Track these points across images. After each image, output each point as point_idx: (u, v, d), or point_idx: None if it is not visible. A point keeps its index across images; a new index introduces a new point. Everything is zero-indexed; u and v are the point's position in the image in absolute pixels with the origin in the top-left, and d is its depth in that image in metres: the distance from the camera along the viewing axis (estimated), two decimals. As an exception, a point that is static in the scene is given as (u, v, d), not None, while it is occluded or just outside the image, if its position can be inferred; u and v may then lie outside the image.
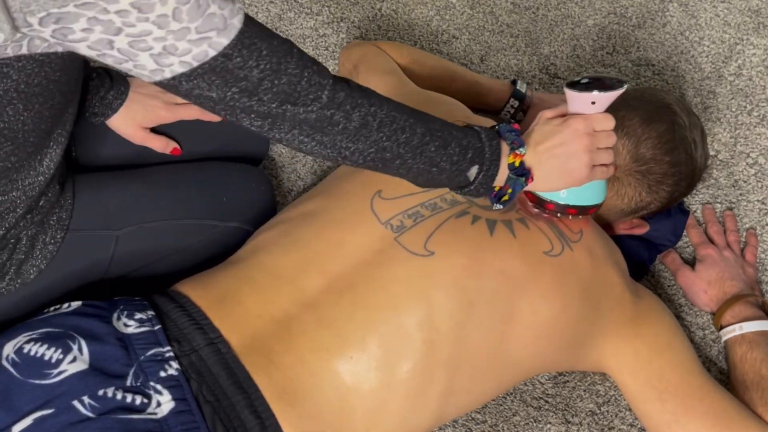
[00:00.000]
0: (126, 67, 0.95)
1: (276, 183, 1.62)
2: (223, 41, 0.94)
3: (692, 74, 1.80)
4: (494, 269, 1.19)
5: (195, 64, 0.94)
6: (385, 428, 1.17)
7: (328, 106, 1.03)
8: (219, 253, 1.32)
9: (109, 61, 0.95)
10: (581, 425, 1.36)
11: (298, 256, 1.21)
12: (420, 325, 1.16)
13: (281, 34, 1.78)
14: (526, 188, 1.20)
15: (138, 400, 1.05)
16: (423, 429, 1.21)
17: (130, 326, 1.13)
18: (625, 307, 1.27)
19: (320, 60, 1.77)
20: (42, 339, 1.09)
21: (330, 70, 1.74)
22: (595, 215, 1.42)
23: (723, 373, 1.42)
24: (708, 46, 1.84)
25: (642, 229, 1.50)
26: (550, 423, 1.36)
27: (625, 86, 1.19)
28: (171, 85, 0.97)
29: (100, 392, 1.04)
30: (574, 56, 1.83)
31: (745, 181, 1.65)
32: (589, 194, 1.26)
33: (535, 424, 1.36)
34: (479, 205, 1.25)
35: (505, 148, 1.16)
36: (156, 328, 1.13)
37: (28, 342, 1.09)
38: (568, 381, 1.40)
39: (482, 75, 1.74)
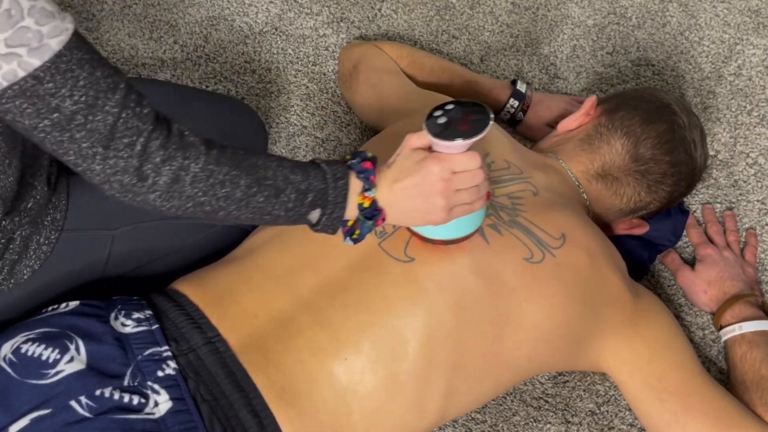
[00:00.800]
0: None
1: (275, 183, 1.62)
2: (35, 62, 0.89)
3: (692, 74, 1.79)
4: (474, 274, 1.19)
5: (4, 83, 0.89)
6: (383, 429, 1.17)
7: (141, 156, 0.96)
8: (216, 252, 1.32)
9: None
10: (581, 425, 1.36)
11: (292, 256, 1.21)
12: (412, 328, 1.16)
13: (281, 34, 1.78)
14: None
15: (135, 399, 1.05)
16: (423, 429, 1.21)
17: (127, 326, 1.13)
18: (624, 307, 1.26)
19: (320, 60, 1.77)
20: (39, 339, 1.09)
21: (330, 70, 1.75)
22: (594, 216, 1.42)
23: (723, 373, 1.42)
24: (708, 46, 1.84)
25: (642, 229, 1.50)
26: (549, 423, 1.36)
27: (489, 126, 1.08)
28: None
29: (98, 392, 1.04)
30: (574, 56, 1.83)
31: (744, 181, 1.64)
32: (455, 228, 1.17)
33: (535, 424, 1.36)
34: None
35: (355, 185, 1.08)
36: (153, 327, 1.13)
37: (25, 342, 1.09)
38: (567, 381, 1.40)
39: (482, 75, 1.74)
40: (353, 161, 1.10)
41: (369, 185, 1.08)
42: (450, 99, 1.11)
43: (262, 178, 1.04)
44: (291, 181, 1.05)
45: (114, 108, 0.94)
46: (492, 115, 1.09)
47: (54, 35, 0.90)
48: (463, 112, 1.11)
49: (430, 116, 1.10)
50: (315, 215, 1.09)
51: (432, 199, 1.09)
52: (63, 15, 0.91)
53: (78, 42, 0.92)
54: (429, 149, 1.11)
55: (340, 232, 1.12)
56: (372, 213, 1.09)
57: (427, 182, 1.09)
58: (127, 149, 0.95)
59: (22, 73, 0.89)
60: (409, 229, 1.20)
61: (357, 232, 1.11)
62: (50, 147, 0.95)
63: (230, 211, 1.03)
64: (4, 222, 1.14)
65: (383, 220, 1.11)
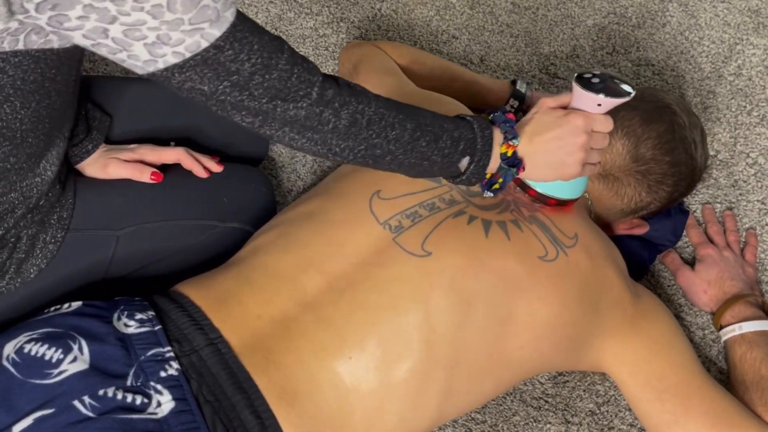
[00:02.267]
0: (120, 57, 0.96)
1: (276, 183, 1.62)
2: (216, 33, 0.95)
3: (692, 74, 1.80)
4: (490, 270, 1.19)
5: (187, 55, 0.96)
6: (384, 428, 1.17)
7: (318, 103, 1.04)
8: (219, 254, 1.32)
9: (103, 51, 0.96)
10: (581, 425, 1.36)
11: (297, 256, 1.21)
12: (418, 325, 1.16)
13: (281, 34, 1.78)
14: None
15: (138, 400, 1.05)
16: (423, 429, 1.21)
17: (130, 326, 1.13)
18: (625, 307, 1.27)
19: (320, 60, 1.77)
20: (42, 339, 1.09)
21: (330, 70, 1.75)
22: (595, 216, 1.42)
23: (723, 373, 1.42)
24: (708, 46, 1.84)
25: (642, 229, 1.50)
26: (549, 423, 1.36)
27: (633, 94, 1.19)
28: (164, 77, 0.98)
29: (101, 392, 1.04)
30: (573, 56, 1.83)
31: (744, 181, 1.65)
32: (572, 188, 1.27)
33: (534, 424, 1.36)
34: (476, 205, 1.25)
35: (498, 137, 1.16)
36: (156, 328, 1.13)
37: (28, 342, 1.09)
38: (567, 381, 1.40)
39: (482, 75, 1.74)
40: (496, 114, 1.18)
41: (513, 134, 1.16)
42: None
43: (424, 124, 1.12)
44: (446, 128, 1.13)
45: (286, 65, 1.01)
46: (635, 92, 1.20)
47: (227, 8, 0.96)
48: (610, 79, 1.20)
49: (579, 75, 1.20)
50: (464, 163, 1.16)
51: (573, 152, 1.18)
52: None
53: (242, 13, 0.99)
54: (565, 109, 1.20)
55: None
56: (514, 161, 1.17)
57: (571, 134, 1.17)
58: (305, 99, 1.03)
59: (205, 44, 0.95)
60: (521, 185, 1.27)
61: (500, 180, 1.18)
62: (229, 107, 1.02)
63: (396, 155, 1.11)
64: (19, 221, 1.14)
65: (523, 169, 1.18)
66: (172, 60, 0.96)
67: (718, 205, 1.62)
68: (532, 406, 1.38)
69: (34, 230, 1.18)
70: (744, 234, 1.58)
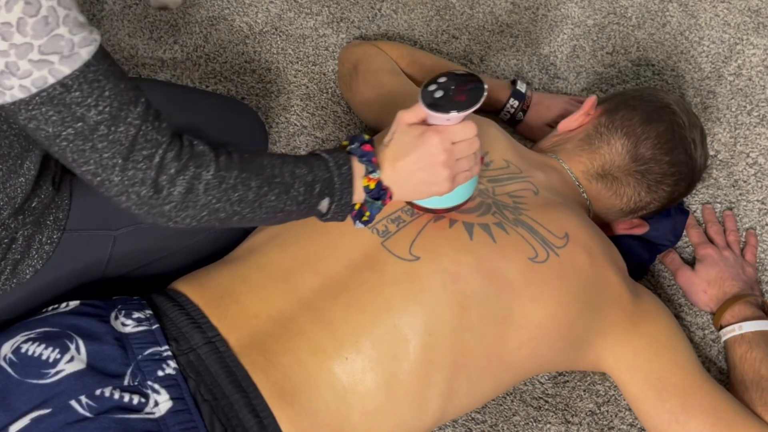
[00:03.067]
0: None
1: (275, 183, 1.62)
2: (65, 70, 0.91)
3: (692, 74, 1.80)
4: (480, 273, 1.19)
5: (33, 90, 0.91)
6: (384, 428, 1.17)
7: (159, 168, 0.99)
8: (217, 253, 1.32)
9: None
10: (581, 425, 1.36)
11: (292, 256, 1.21)
12: (413, 327, 1.16)
13: (281, 34, 1.78)
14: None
15: (136, 399, 1.05)
16: (422, 429, 1.21)
17: (128, 325, 1.13)
18: (624, 307, 1.26)
19: (320, 60, 1.77)
20: (40, 339, 1.09)
21: (330, 70, 1.75)
22: (594, 215, 1.42)
23: (723, 373, 1.42)
24: (708, 46, 1.84)
25: (642, 229, 1.50)
26: (549, 423, 1.36)
27: (484, 96, 1.11)
28: (12, 111, 0.94)
29: (98, 392, 1.04)
30: (574, 56, 1.83)
31: (744, 181, 1.64)
32: (455, 195, 1.20)
33: (535, 424, 1.36)
34: None
35: (359, 168, 1.11)
36: (154, 327, 1.13)
37: (25, 342, 1.09)
38: (568, 381, 1.40)
39: (482, 75, 1.74)
40: (352, 146, 1.12)
41: (372, 167, 1.11)
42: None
43: (271, 177, 1.06)
44: (297, 175, 1.08)
45: (136, 120, 0.97)
46: (486, 85, 1.12)
47: (84, 45, 0.92)
48: (458, 82, 1.12)
49: (425, 89, 1.12)
50: (324, 204, 1.11)
51: (436, 171, 1.13)
52: (91, 27, 0.94)
53: (104, 54, 0.95)
54: (423, 123, 1.13)
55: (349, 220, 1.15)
56: (378, 193, 1.13)
57: (430, 155, 1.12)
58: (146, 161, 0.98)
59: (51, 80, 0.91)
60: (409, 202, 1.22)
61: (367, 213, 1.14)
62: (70, 156, 0.97)
63: (244, 215, 1.06)
64: (8, 221, 1.14)
65: (390, 198, 1.14)
66: (19, 95, 0.92)
67: (718, 205, 1.62)
68: (532, 406, 1.38)
69: (30, 231, 1.18)
70: (744, 234, 1.58)
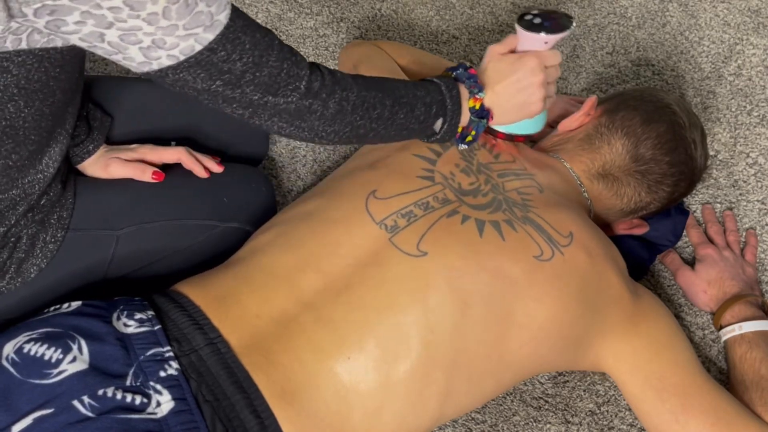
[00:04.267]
0: (115, 58, 0.98)
1: (276, 183, 1.62)
2: (209, 36, 0.98)
3: (692, 74, 1.80)
4: (486, 271, 1.19)
5: (182, 57, 0.98)
6: (384, 428, 1.17)
7: (306, 95, 1.08)
8: (219, 254, 1.32)
9: (99, 53, 0.98)
10: (581, 425, 1.36)
11: (295, 256, 1.21)
12: (416, 325, 1.16)
13: (281, 34, 1.78)
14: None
15: (138, 399, 1.05)
16: (423, 429, 1.21)
17: (130, 326, 1.13)
18: (624, 307, 1.26)
19: (320, 60, 1.77)
20: (42, 339, 1.09)
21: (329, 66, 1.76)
22: (595, 215, 1.42)
23: (723, 373, 1.42)
24: (708, 46, 1.84)
25: (642, 229, 1.50)
26: (549, 423, 1.36)
27: (573, 24, 1.27)
28: (158, 76, 1.01)
29: (100, 392, 1.04)
30: (574, 56, 1.83)
31: (744, 181, 1.65)
32: (536, 122, 1.35)
33: (535, 424, 1.36)
34: (468, 204, 1.25)
35: (464, 92, 1.24)
36: (156, 328, 1.13)
37: (28, 342, 1.09)
38: (568, 381, 1.40)
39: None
40: (458, 72, 1.26)
41: (478, 88, 1.24)
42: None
43: (399, 97, 1.18)
44: (418, 96, 1.20)
45: (276, 62, 1.05)
46: (574, 21, 1.27)
47: (221, 11, 0.98)
48: (549, 14, 1.28)
49: (520, 18, 1.27)
50: (438, 124, 1.23)
51: (534, 91, 1.26)
52: None
53: (237, 11, 1.01)
54: (514, 53, 1.27)
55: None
56: (483, 113, 1.25)
57: (529, 76, 1.25)
58: (294, 93, 1.08)
59: (198, 47, 0.99)
60: (494, 133, 1.35)
61: (472, 133, 1.26)
62: (222, 102, 1.06)
63: (379, 131, 1.18)
64: (20, 218, 1.15)
65: (492, 118, 1.27)
66: (167, 62, 0.99)
67: (718, 205, 1.62)
68: (532, 406, 1.38)
69: (34, 230, 1.18)
70: (744, 234, 1.58)
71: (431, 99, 1.20)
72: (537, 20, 1.26)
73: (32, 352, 1.07)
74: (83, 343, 1.09)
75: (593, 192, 1.41)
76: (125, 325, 1.13)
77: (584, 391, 1.40)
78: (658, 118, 1.41)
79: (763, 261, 1.56)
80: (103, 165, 1.32)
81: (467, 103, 1.24)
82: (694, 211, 1.61)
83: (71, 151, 1.30)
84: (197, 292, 1.19)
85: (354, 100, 1.13)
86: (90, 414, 1.02)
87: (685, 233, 1.57)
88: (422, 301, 1.16)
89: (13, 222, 1.14)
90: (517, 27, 1.26)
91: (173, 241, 1.32)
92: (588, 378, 1.40)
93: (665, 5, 1.90)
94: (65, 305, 1.16)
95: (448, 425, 1.35)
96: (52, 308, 1.17)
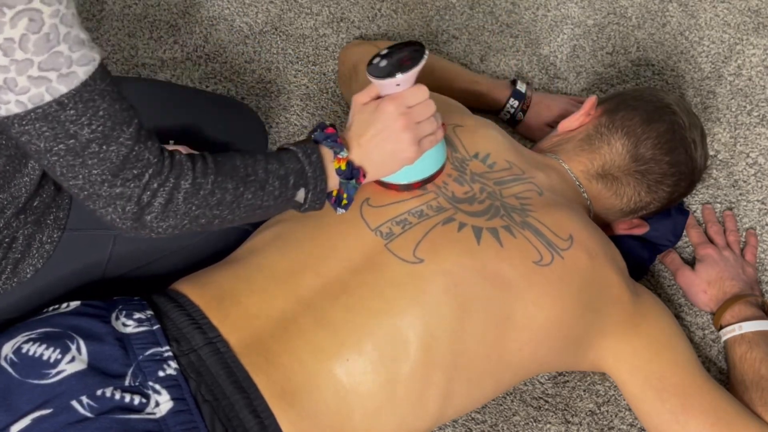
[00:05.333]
0: None
1: (276, 183, 1.62)
2: (62, 89, 0.93)
3: (692, 74, 1.80)
4: (485, 277, 1.19)
5: (30, 106, 0.92)
6: (384, 429, 1.17)
7: (144, 185, 1.00)
8: (217, 253, 1.32)
9: None
10: (581, 425, 1.36)
11: (293, 257, 1.21)
12: (415, 329, 1.15)
13: (281, 34, 1.78)
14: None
15: (137, 399, 1.05)
16: (422, 430, 1.21)
17: (128, 326, 1.13)
18: (624, 307, 1.26)
19: (320, 60, 1.77)
20: (41, 339, 1.09)
21: (330, 70, 1.75)
22: (595, 215, 1.42)
23: (723, 373, 1.42)
24: (708, 46, 1.84)
25: (642, 229, 1.50)
26: (549, 423, 1.36)
27: (425, 56, 1.16)
28: (4, 124, 0.95)
29: (99, 392, 1.04)
30: (574, 56, 1.83)
31: (744, 181, 1.65)
32: (426, 164, 1.23)
33: (535, 424, 1.36)
34: (464, 212, 1.25)
35: (328, 154, 1.14)
36: (155, 327, 1.13)
37: (26, 342, 1.09)
38: (568, 381, 1.40)
39: (482, 75, 1.74)
40: (315, 134, 1.16)
41: (339, 147, 1.14)
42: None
43: (245, 176, 1.08)
44: (270, 170, 1.10)
45: (128, 141, 0.98)
46: (426, 50, 1.17)
47: (83, 63, 0.93)
48: (400, 51, 1.18)
49: (370, 63, 1.18)
50: (301, 195, 1.13)
51: (399, 137, 1.16)
52: (92, 45, 0.94)
53: (102, 73, 0.95)
54: (377, 99, 1.18)
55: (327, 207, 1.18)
56: (351, 173, 1.15)
57: (389, 123, 1.16)
58: (135, 180, 0.99)
59: (48, 98, 0.92)
60: (383, 185, 1.24)
61: (345, 196, 1.16)
62: (59, 170, 0.98)
63: (224, 217, 1.08)
64: (11, 220, 1.14)
65: (364, 176, 1.17)
66: (15, 109, 0.92)
67: (718, 205, 1.62)
68: (532, 406, 1.38)
69: (30, 230, 1.18)
70: (744, 234, 1.58)
71: (286, 170, 1.10)
72: (383, 63, 1.17)
73: (31, 353, 1.07)
74: (82, 343, 1.09)
75: (592, 192, 1.41)
76: (124, 324, 1.13)
77: (584, 391, 1.39)
78: (658, 118, 1.41)
79: (763, 261, 1.55)
80: None
81: (332, 165, 1.14)
82: (694, 211, 1.60)
83: None
84: (196, 291, 1.19)
85: (187, 188, 1.02)
86: (89, 414, 1.02)
87: (685, 233, 1.57)
88: (420, 305, 1.16)
89: (1, 225, 1.13)
90: (368, 75, 1.16)
91: (171, 241, 1.31)
92: (588, 378, 1.40)
93: (665, 5, 1.90)
94: (64, 305, 1.16)
95: (448, 425, 1.35)
96: (50, 308, 1.16)
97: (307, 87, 1.73)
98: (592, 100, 1.43)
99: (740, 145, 1.69)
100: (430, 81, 1.63)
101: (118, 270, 1.29)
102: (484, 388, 1.22)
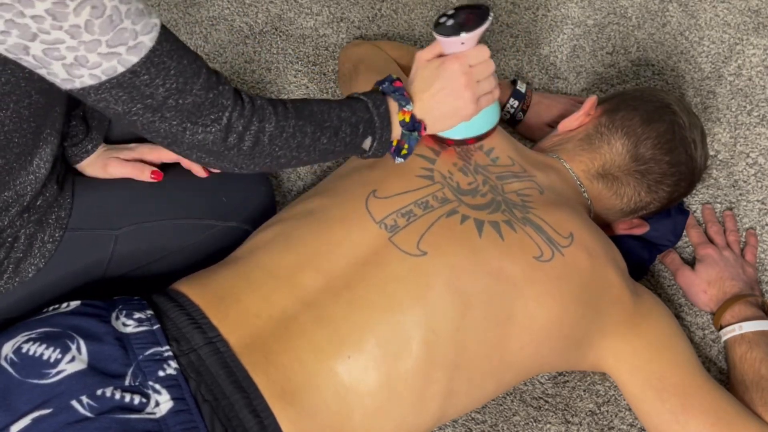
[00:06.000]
0: (41, 72, 0.98)
1: (276, 183, 1.62)
2: (133, 59, 0.97)
3: (692, 74, 1.80)
4: (486, 271, 1.19)
5: (104, 78, 0.97)
6: (384, 428, 1.17)
7: (226, 128, 1.06)
8: (218, 253, 1.32)
9: (26, 66, 0.97)
10: (581, 425, 1.36)
11: (295, 255, 1.21)
12: (417, 325, 1.15)
13: (281, 34, 1.78)
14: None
15: (137, 399, 1.05)
16: (423, 429, 1.21)
17: (128, 326, 1.13)
18: (625, 307, 1.26)
19: (320, 60, 1.77)
20: (41, 339, 1.09)
21: (330, 70, 1.75)
22: (595, 215, 1.42)
23: (723, 373, 1.42)
24: (708, 46, 1.84)
25: (642, 229, 1.50)
26: (549, 423, 1.36)
27: (491, 16, 1.22)
28: (80, 94, 1.00)
29: (99, 392, 1.04)
30: (574, 56, 1.83)
31: (744, 181, 1.65)
32: (482, 122, 1.30)
33: (535, 424, 1.36)
34: (467, 204, 1.25)
35: (393, 106, 1.21)
36: (155, 327, 1.13)
37: (26, 342, 1.09)
38: (568, 381, 1.40)
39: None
40: (384, 86, 1.22)
41: (405, 101, 1.21)
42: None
43: (321, 121, 1.15)
44: (343, 118, 1.17)
45: (200, 90, 1.03)
46: (491, 11, 1.22)
47: (146, 32, 0.97)
48: (465, 12, 1.24)
49: (436, 22, 1.23)
50: (367, 143, 1.20)
51: (460, 94, 1.22)
52: (150, 11, 0.98)
53: (166, 35, 1.00)
54: (440, 57, 1.23)
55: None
56: (413, 125, 1.22)
57: (452, 80, 1.21)
58: (214, 124, 1.06)
59: (121, 69, 0.97)
60: (439, 140, 1.31)
61: (406, 146, 1.23)
62: (140, 126, 1.04)
63: (301, 158, 1.16)
64: (14, 219, 1.14)
65: (425, 129, 1.23)
66: (89, 81, 0.97)
67: (718, 205, 1.62)
68: (532, 406, 1.38)
69: (32, 229, 1.18)
70: (744, 234, 1.58)
71: (357, 118, 1.18)
72: (449, 21, 1.22)
73: (31, 352, 1.07)
74: (82, 342, 1.09)
75: (593, 192, 1.41)
76: (124, 324, 1.13)
77: (584, 391, 1.39)
78: (658, 118, 1.41)
79: (763, 261, 1.55)
80: (101, 165, 1.32)
81: (397, 117, 1.21)
82: (694, 211, 1.60)
83: (70, 150, 1.30)
84: (196, 291, 1.19)
85: (271, 131, 1.10)
86: (89, 414, 1.02)
87: (685, 233, 1.57)
88: (423, 301, 1.16)
89: (6, 223, 1.14)
90: (434, 33, 1.22)
91: (172, 241, 1.32)
92: (588, 378, 1.40)
93: (665, 5, 1.90)
94: (64, 305, 1.16)
95: (448, 425, 1.35)
96: (50, 308, 1.16)
97: (307, 87, 1.73)
98: (592, 100, 1.43)
99: (740, 145, 1.69)
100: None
101: (119, 270, 1.29)
102: (484, 388, 1.22)
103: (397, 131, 1.21)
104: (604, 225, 1.46)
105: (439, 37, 1.22)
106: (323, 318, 1.15)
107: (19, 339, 1.09)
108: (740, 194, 1.63)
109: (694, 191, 1.60)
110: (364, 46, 1.71)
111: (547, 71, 1.80)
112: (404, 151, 1.23)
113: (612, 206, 1.43)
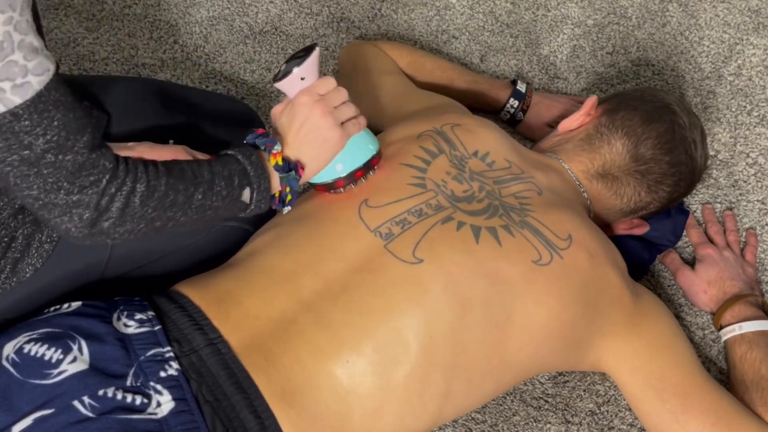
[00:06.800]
0: None
1: (276, 183, 1.62)
2: (16, 100, 0.91)
3: (692, 74, 1.80)
4: (484, 276, 1.19)
5: None
6: (383, 429, 1.17)
7: (102, 192, 1.00)
8: (218, 253, 1.32)
9: None
10: (581, 425, 1.36)
11: (293, 258, 1.21)
12: (415, 329, 1.15)
13: (281, 34, 1.78)
14: (311, 181, 1.24)
15: (138, 400, 1.05)
16: (422, 430, 1.21)
17: (130, 326, 1.13)
18: (625, 307, 1.26)
19: (320, 60, 1.77)
20: (42, 339, 1.09)
21: (330, 70, 1.75)
22: (595, 215, 1.42)
23: (723, 373, 1.42)
24: (708, 46, 1.84)
25: (642, 229, 1.50)
26: (549, 423, 1.36)
27: (317, 48, 1.23)
28: None
29: (100, 392, 1.04)
30: (574, 56, 1.83)
31: (744, 181, 1.65)
32: (360, 150, 1.26)
33: (534, 424, 1.36)
34: (463, 210, 1.25)
35: (264, 154, 1.17)
36: (156, 328, 1.13)
37: (28, 342, 1.09)
38: (568, 381, 1.40)
39: (482, 75, 1.74)
40: (248, 138, 1.19)
41: (272, 142, 1.17)
42: None
43: (193, 178, 1.09)
44: (215, 172, 1.12)
45: (83, 149, 0.97)
46: (317, 45, 1.24)
47: (37, 73, 0.91)
48: (295, 56, 1.25)
49: (275, 77, 1.24)
50: (246, 195, 1.15)
51: (321, 123, 1.20)
52: (47, 53, 0.93)
53: (57, 82, 0.94)
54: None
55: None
56: (288, 166, 1.18)
57: (308, 112, 1.19)
58: (93, 186, 0.99)
59: (2, 109, 0.90)
60: (328, 186, 1.27)
61: (287, 190, 1.19)
62: (13, 180, 0.97)
63: (177, 218, 1.09)
64: (8, 221, 1.14)
65: (302, 168, 1.20)
66: None
67: (718, 205, 1.62)
68: (532, 406, 1.38)
69: (30, 230, 1.18)
70: (744, 234, 1.58)
71: (229, 171, 1.13)
72: (283, 67, 1.24)
73: (32, 353, 1.07)
74: (83, 343, 1.09)
75: (592, 192, 1.41)
76: (125, 325, 1.13)
77: (584, 391, 1.40)
78: (659, 118, 1.41)
79: (763, 261, 1.56)
80: None
81: (270, 163, 1.17)
82: (694, 211, 1.61)
83: None
84: (197, 292, 1.19)
85: (142, 191, 1.03)
86: (90, 414, 1.02)
87: (685, 233, 1.57)
88: (420, 306, 1.16)
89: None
90: (275, 85, 1.24)
91: (171, 241, 1.31)
92: (588, 378, 1.40)
93: (665, 5, 1.90)
94: (65, 305, 1.16)
95: (448, 425, 1.35)
96: (52, 308, 1.16)
97: (308, 87, 1.73)
98: (592, 100, 1.43)
99: (740, 145, 1.69)
100: (431, 81, 1.65)
101: (118, 270, 1.29)
102: (484, 389, 1.22)
103: (275, 179, 1.17)
104: (604, 225, 1.46)
105: (278, 85, 1.23)
106: (322, 320, 1.15)
107: (21, 339, 1.09)
108: (740, 194, 1.63)
109: (694, 191, 1.60)
110: (364, 46, 1.71)
111: (547, 71, 1.80)
112: (288, 197, 1.19)
113: (612, 206, 1.43)
